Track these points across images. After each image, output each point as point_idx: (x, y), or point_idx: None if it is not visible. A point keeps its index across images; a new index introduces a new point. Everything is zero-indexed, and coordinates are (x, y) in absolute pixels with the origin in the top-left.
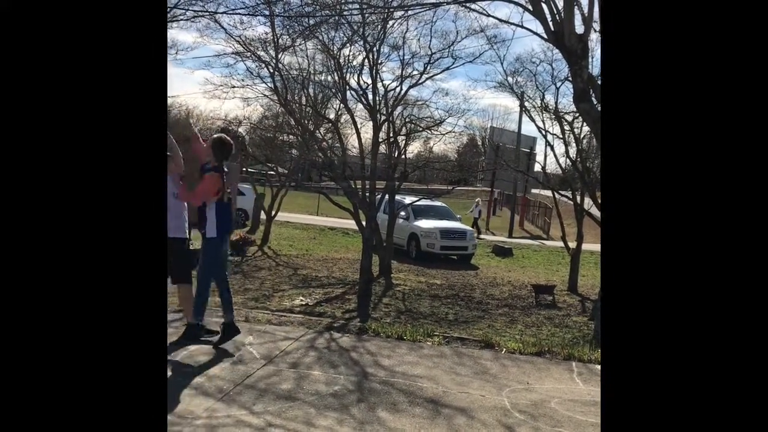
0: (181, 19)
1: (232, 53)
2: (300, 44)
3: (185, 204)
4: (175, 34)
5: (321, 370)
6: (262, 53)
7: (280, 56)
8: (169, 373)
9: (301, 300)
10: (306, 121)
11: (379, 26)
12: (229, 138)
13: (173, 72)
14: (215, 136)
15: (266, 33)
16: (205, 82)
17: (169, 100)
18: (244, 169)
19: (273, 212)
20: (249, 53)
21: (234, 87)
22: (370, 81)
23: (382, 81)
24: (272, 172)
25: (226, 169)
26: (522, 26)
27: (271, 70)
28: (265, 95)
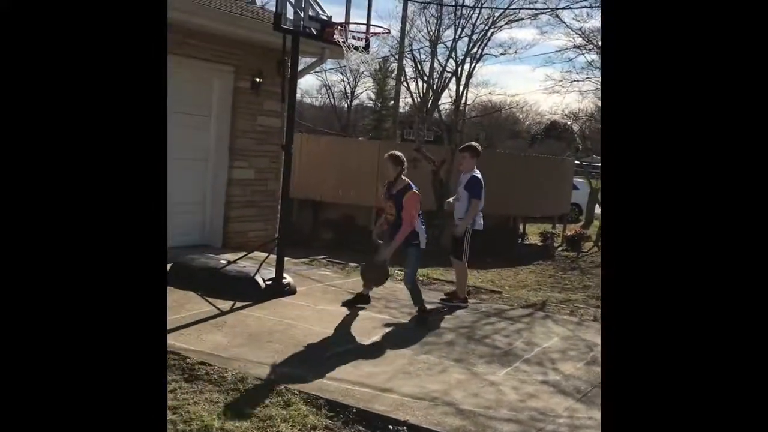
0: (522, 18)
1: (573, 47)
2: None
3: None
4: (514, 33)
5: None
6: None
7: None
8: (529, 369)
9: None
10: None
11: None
12: (397, 153)
13: (514, 69)
14: (388, 155)
15: None
16: (546, 79)
17: (508, 99)
18: (577, 162)
19: None
20: (591, 45)
21: (574, 81)
22: None
23: None
24: None
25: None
26: None
27: None
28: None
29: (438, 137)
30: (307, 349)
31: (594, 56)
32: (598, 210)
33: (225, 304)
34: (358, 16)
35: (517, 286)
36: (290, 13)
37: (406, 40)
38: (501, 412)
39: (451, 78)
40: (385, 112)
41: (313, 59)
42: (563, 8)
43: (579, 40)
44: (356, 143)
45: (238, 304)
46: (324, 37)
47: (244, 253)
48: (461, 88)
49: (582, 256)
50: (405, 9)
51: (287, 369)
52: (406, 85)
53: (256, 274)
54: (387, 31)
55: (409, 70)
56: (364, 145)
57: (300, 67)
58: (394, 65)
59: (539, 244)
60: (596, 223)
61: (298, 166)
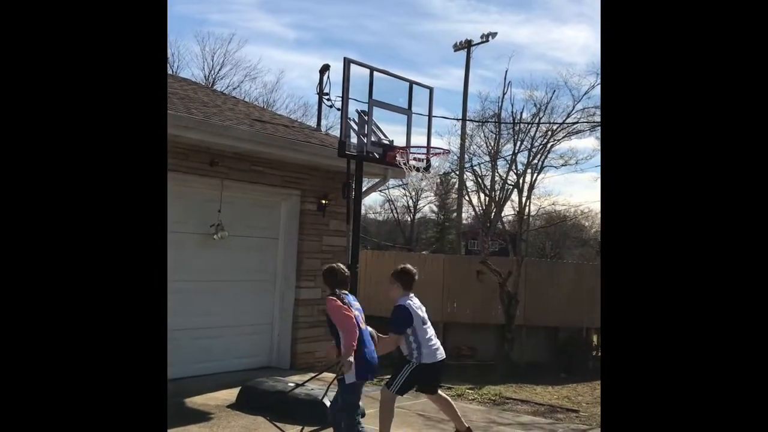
0: (581, 130)
1: None
2: None
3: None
4: (574, 143)
5: None
6: None
7: None
8: None
9: None
10: None
11: None
12: (336, 266)
13: (576, 178)
14: (325, 267)
15: None
16: None
17: (572, 209)
18: None
19: None
20: None
21: None
22: None
23: None
24: None
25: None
26: None
27: None
28: None
29: (503, 248)
30: None
31: None
32: None
33: (294, 430)
34: (418, 134)
35: (594, 402)
36: (354, 138)
37: (465, 155)
38: None
39: (512, 190)
40: (448, 224)
41: (377, 180)
42: None
43: None
44: (420, 257)
45: (307, 429)
46: (386, 160)
47: (312, 375)
48: (524, 199)
49: None
50: (463, 127)
51: None
52: (467, 198)
53: (324, 396)
54: (447, 151)
55: (470, 183)
56: (429, 258)
57: (363, 188)
58: (455, 178)
59: None
60: None
61: (364, 282)
